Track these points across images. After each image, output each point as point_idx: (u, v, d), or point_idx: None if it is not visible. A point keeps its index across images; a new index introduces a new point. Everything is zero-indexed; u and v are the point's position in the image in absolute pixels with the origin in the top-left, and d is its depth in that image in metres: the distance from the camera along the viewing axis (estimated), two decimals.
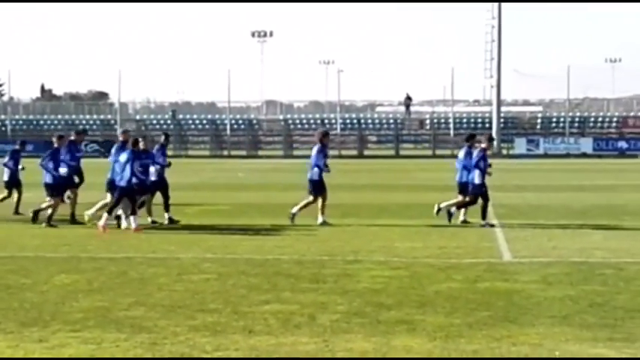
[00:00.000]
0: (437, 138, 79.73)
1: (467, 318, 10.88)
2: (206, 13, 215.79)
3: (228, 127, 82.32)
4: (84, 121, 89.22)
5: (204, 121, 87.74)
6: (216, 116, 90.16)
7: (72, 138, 23.33)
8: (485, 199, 21.30)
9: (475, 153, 21.71)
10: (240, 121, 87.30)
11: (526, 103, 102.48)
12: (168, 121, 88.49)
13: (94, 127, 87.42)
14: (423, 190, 33.53)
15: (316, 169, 22.36)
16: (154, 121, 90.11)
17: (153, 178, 21.65)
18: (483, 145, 22.02)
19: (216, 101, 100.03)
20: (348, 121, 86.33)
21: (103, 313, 11.30)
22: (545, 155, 70.60)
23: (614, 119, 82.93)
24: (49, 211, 21.56)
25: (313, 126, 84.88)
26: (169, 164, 22.69)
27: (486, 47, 78.64)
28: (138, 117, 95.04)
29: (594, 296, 12.25)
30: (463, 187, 21.87)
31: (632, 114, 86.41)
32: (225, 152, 79.69)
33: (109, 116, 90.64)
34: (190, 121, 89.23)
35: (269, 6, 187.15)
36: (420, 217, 22.96)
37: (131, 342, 9.76)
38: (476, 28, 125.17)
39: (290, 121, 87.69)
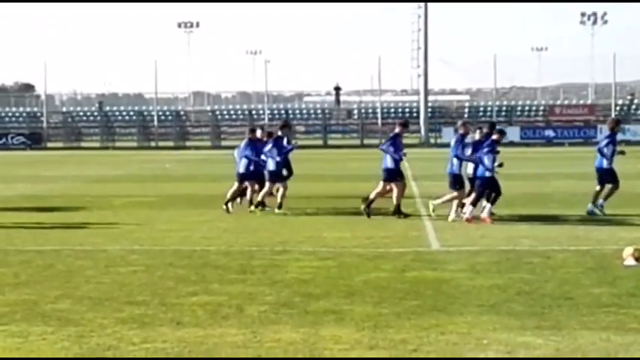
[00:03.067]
0: (365, 128, 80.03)
1: (395, 307, 10.89)
2: (132, 4, 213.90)
3: (155, 118, 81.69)
4: (10, 114, 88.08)
5: (132, 113, 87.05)
6: (144, 107, 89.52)
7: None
8: None
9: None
10: (168, 113, 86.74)
11: (453, 92, 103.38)
12: (95, 113, 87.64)
13: (20, 119, 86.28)
14: (352, 179, 33.60)
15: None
16: (81, 113, 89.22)
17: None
18: None
19: (143, 92, 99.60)
20: (275, 111, 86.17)
21: (30, 307, 11.14)
22: None
23: (541, 108, 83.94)
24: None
25: (241, 117, 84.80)
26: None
27: (413, 37, 79.07)
28: (64, 109, 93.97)
29: (522, 284, 12.34)
30: None
31: (558, 102, 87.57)
32: (153, 143, 79.18)
33: (35, 109, 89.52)
34: (117, 113, 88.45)
35: None
36: (348, 206, 22.97)
37: (58, 335, 9.62)
38: (402, 17, 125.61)
39: (217, 112, 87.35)
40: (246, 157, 22.85)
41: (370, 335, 9.53)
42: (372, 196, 21.08)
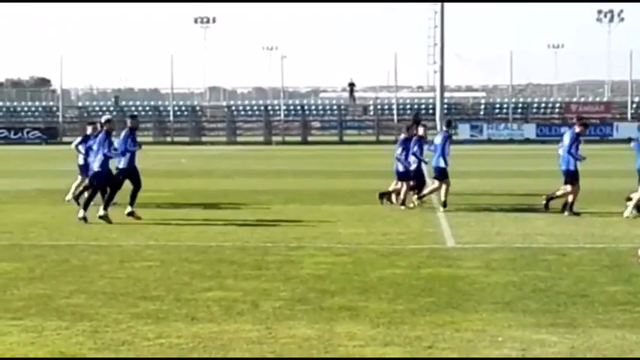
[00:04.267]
0: (380, 124, 79.90)
1: (410, 304, 10.88)
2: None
3: (171, 113, 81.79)
4: (25, 108, 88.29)
5: (147, 108, 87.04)
6: (159, 102, 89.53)
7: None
8: None
9: None
10: (184, 108, 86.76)
11: (469, 89, 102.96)
12: (111, 108, 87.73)
13: (36, 113, 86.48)
14: (367, 176, 33.58)
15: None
16: (97, 108, 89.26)
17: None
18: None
19: (159, 87, 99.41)
20: (291, 107, 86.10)
21: (45, 301, 11.16)
22: (489, 141, 71.03)
23: (557, 105, 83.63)
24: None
25: (257, 112, 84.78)
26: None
27: (429, 33, 78.76)
28: (80, 103, 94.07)
29: (537, 282, 12.31)
30: None
31: (574, 100, 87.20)
32: (168, 138, 79.29)
33: (51, 103, 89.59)
34: (133, 108, 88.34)
35: None
36: (363, 203, 22.97)
37: (72, 330, 9.64)
38: (419, 13, 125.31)
39: (233, 108, 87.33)
40: (414, 154, 22.46)
41: (385, 332, 9.53)
42: (558, 194, 21.29)
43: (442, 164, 22.01)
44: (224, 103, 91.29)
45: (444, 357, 8.66)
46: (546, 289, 11.83)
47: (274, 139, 76.04)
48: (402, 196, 22.34)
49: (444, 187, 21.91)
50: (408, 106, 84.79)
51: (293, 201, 23.85)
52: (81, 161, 23.58)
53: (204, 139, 79.11)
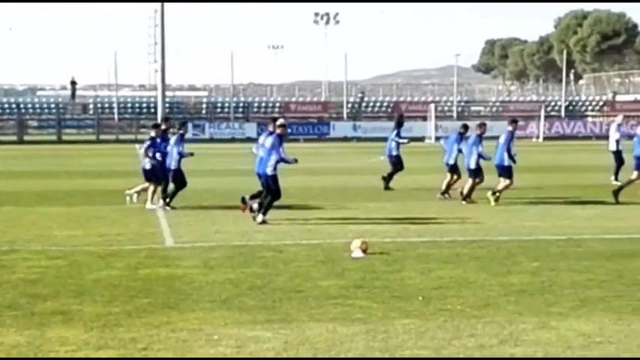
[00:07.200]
0: (101, 123, 78.62)
1: (126, 306, 10.71)
2: None
3: None
4: None
5: None
6: None
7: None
8: None
9: None
10: None
11: (192, 88, 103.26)
12: None
13: None
14: (86, 176, 32.91)
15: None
16: None
17: None
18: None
19: None
20: (6, 105, 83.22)
21: None
22: (211, 140, 71.48)
23: (277, 105, 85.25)
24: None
25: None
26: None
27: (150, 32, 78.31)
28: None
29: (254, 279, 12.44)
30: None
31: (293, 99, 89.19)
32: None
33: None
34: None
35: None
36: (81, 204, 22.45)
37: None
38: (140, 11, 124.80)
39: None
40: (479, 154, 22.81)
41: (99, 335, 9.32)
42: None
43: (506, 162, 22.55)
44: None
45: (159, 358, 8.56)
46: (263, 285, 11.97)
47: None
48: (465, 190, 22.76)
49: (506, 182, 22.52)
50: (130, 105, 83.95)
51: (7, 203, 22.95)
52: (147, 166, 21.76)
53: None
